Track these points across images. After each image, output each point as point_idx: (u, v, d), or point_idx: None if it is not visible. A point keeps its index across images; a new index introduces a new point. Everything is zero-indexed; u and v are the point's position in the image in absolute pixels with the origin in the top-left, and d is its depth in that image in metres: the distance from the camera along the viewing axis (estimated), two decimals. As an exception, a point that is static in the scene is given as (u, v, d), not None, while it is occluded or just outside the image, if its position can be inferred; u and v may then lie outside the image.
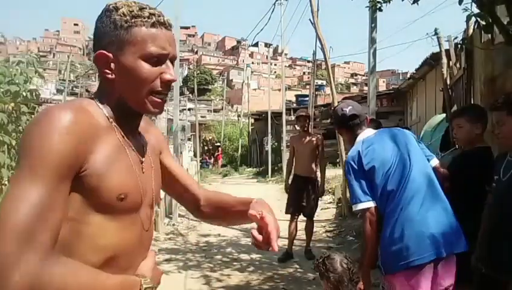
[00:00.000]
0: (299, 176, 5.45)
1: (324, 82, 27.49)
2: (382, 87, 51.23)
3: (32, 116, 3.47)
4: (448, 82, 7.22)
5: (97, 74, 1.06)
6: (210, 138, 29.64)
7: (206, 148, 28.58)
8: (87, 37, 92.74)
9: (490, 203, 2.27)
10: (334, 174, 9.91)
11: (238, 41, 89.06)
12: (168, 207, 8.13)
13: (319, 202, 5.82)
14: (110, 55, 0.96)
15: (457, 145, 3.91)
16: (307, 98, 18.94)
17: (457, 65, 7.10)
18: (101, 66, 0.97)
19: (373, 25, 6.35)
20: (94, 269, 0.86)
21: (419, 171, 2.16)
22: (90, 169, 0.87)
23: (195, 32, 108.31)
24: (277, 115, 18.09)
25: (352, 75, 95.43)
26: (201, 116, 34.03)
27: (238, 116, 34.54)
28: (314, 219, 5.56)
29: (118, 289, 0.88)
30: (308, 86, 34.16)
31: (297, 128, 6.00)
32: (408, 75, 16.02)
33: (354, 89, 69.48)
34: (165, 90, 0.99)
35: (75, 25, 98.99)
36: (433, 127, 8.54)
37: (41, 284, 0.75)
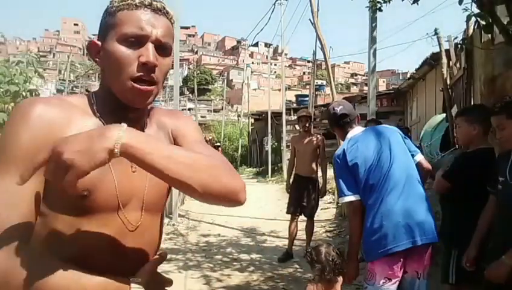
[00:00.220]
0: (300, 176, 5.46)
1: (324, 82, 27.50)
2: (382, 87, 51.21)
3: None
4: (448, 82, 7.23)
5: (98, 74, 1.06)
6: (210, 138, 29.60)
7: (206, 148, 28.59)
8: (87, 37, 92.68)
9: (498, 206, 2.26)
10: (333, 174, 9.90)
11: (238, 41, 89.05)
12: (168, 207, 8.13)
13: (319, 202, 5.82)
14: (99, 43, 0.94)
15: (457, 145, 3.91)
16: (307, 98, 18.94)
17: (457, 65, 7.11)
18: (91, 54, 0.96)
19: (373, 25, 6.34)
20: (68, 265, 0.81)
21: (400, 166, 2.32)
22: None
23: (195, 32, 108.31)
24: (277, 115, 18.07)
25: (352, 75, 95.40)
26: (201, 116, 34.05)
27: (238, 116, 34.56)
28: (314, 218, 5.56)
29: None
30: (308, 86, 34.17)
31: (298, 128, 6.00)
32: (408, 75, 16.02)
33: (354, 89, 69.46)
34: (145, 76, 0.90)
35: (75, 25, 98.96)
36: (433, 127, 8.55)
37: (6, 274, 0.75)
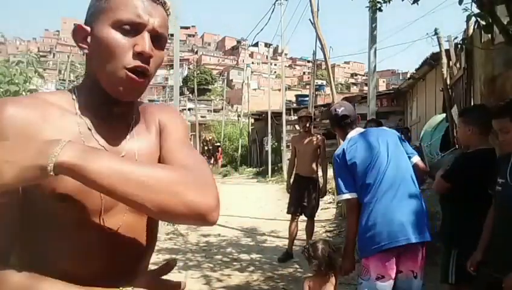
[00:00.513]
0: (301, 176, 5.46)
1: (324, 82, 27.47)
2: (382, 87, 51.18)
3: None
4: (448, 82, 7.24)
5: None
6: (210, 138, 29.62)
7: (206, 148, 28.57)
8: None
9: (497, 207, 2.25)
10: (333, 174, 9.88)
11: (238, 41, 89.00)
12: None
13: (320, 202, 5.82)
14: (88, 28, 0.86)
15: (457, 145, 3.92)
16: (307, 98, 18.93)
17: (457, 65, 7.11)
18: (77, 40, 0.87)
19: (373, 25, 6.34)
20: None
21: (396, 167, 2.43)
22: None
23: (195, 32, 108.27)
24: (277, 115, 18.06)
25: (352, 75, 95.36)
26: (201, 116, 34.04)
27: (238, 116, 34.53)
28: (315, 218, 5.56)
29: None
30: (308, 86, 34.15)
31: (298, 128, 6.00)
32: (408, 75, 16.02)
33: (354, 89, 69.43)
34: (140, 67, 0.83)
35: (75, 25, 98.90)
36: (433, 127, 8.56)
37: None
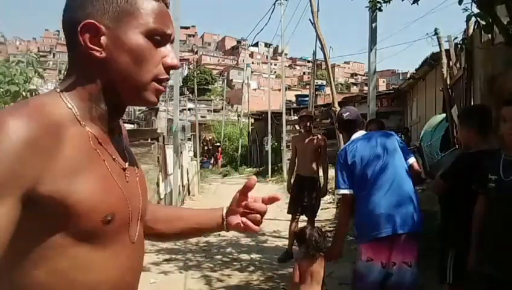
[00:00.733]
0: (301, 175, 5.45)
1: (324, 82, 27.47)
2: (382, 87, 51.21)
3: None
4: (448, 82, 7.23)
5: (68, 55, 0.84)
6: (210, 138, 29.62)
7: (206, 148, 28.57)
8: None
9: (491, 204, 2.25)
10: (334, 174, 9.88)
11: (238, 41, 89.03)
12: (168, 207, 8.10)
13: (320, 202, 5.82)
14: (102, 27, 0.76)
15: (457, 145, 3.94)
16: (307, 98, 18.93)
17: (457, 65, 7.10)
18: (87, 41, 0.76)
19: (373, 25, 6.34)
20: None
21: (391, 167, 2.69)
22: (51, 190, 0.68)
23: (195, 32, 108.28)
24: (277, 115, 18.08)
25: (352, 75, 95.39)
26: (201, 116, 34.02)
27: (238, 116, 34.53)
28: (315, 218, 5.56)
29: None
30: (308, 86, 34.15)
31: (298, 128, 6.00)
32: (408, 75, 16.03)
33: (354, 89, 69.43)
34: (167, 78, 0.83)
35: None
36: (433, 127, 8.56)
37: None
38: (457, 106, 6.65)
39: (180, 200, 8.80)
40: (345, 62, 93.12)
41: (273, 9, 13.39)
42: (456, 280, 2.56)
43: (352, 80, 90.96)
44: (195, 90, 32.85)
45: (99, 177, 0.76)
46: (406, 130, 13.04)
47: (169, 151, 8.53)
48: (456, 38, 6.98)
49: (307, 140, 5.48)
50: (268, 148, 17.88)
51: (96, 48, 0.76)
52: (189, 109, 31.60)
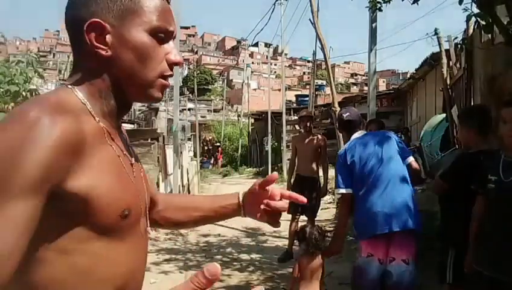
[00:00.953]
0: (302, 176, 5.45)
1: (324, 82, 27.49)
2: (382, 87, 51.22)
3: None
4: (448, 82, 7.23)
5: (72, 54, 0.81)
6: (210, 138, 29.62)
7: (206, 148, 28.57)
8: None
9: (491, 205, 2.25)
10: (334, 174, 9.90)
11: (238, 41, 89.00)
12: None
13: (320, 202, 5.82)
14: (107, 25, 0.76)
15: (457, 145, 3.95)
16: (307, 98, 18.94)
17: (457, 65, 7.11)
18: (93, 40, 0.76)
19: (373, 25, 6.34)
20: None
21: (388, 167, 2.77)
22: (76, 185, 0.69)
23: (195, 32, 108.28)
24: (277, 115, 18.07)
25: (352, 75, 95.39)
26: (201, 116, 34.02)
27: (238, 116, 34.53)
28: (315, 218, 5.56)
29: None
30: (308, 86, 34.16)
31: (298, 128, 6.00)
32: (408, 75, 16.03)
33: (354, 89, 69.43)
34: (171, 75, 0.85)
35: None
36: (433, 127, 8.57)
37: None
38: (457, 106, 6.65)
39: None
40: (345, 62, 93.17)
41: (273, 9, 13.40)
42: (456, 280, 2.57)
43: (352, 80, 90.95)
44: (195, 90, 32.85)
45: (116, 173, 0.77)
46: (406, 130, 13.04)
47: (169, 151, 8.53)
48: (456, 38, 7.00)
49: (307, 140, 5.48)
50: (268, 148, 17.87)
51: (102, 46, 0.77)
52: (189, 109, 31.60)
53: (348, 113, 3.07)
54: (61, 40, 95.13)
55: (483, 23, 3.10)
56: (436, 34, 7.50)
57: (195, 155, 17.53)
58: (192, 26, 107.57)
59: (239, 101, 42.42)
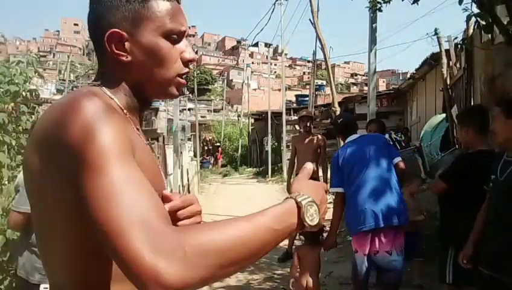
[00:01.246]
0: (301, 176, 5.45)
1: (324, 82, 27.49)
2: (382, 87, 51.19)
3: (33, 116, 3.45)
4: (448, 82, 7.24)
5: (96, 60, 0.91)
6: (210, 138, 29.60)
7: (206, 148, 28.55)
8: (87, 37, 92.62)
9: (490, 204, 2.26)
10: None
11: (238, 41, 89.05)
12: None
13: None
14: (125, 33, 0.83)
15: (457, 145, 3.96)
16: (307, 98, 18.93)
17: (457, 65, 7.12)
18: (114, 48, 0.83)
19: (373, 25, 6.34)
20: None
21: (376, 167, 3.00)
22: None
23: (195, 32, 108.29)
24: (277, 115, 18.06)
25: (352, 75, 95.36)
26: (201, 116, 34.02)
27: (238, 116, 34.52)
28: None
29: (273, 223, 0.78)
30: (308, 86, 34.17)
31: (298, 128, 6.00)
32: (408, 75, 16.02)
33: (354, 89, 69.41)
34: (187, 72, 0.91)
35: (75, 25, 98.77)
36: (433, 127, 8.56)
37: (201, 254, 0.65)
38: (457, 106, 6.66)
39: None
40: (345, 62, 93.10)
41: (273, 9, 13.42)
42: (456, 279, 2.57)
43: (352, 80, 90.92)
44: (195, 90, 32.79)
45: (151, 163, 0.85)
46: (405, 130, 13.02)
47: (169, 151, 8.53)
48: (456, 38, 7.01)
49: (306, 140, 5.47)
50: (268, 148, 17.86)
51: (122, 53, 0.84)
52: (189, 109, 31.57)
53: (341, 119, 3.44)
54: (61, 40, 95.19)
55: (483, 23, 3.09)
56: (436, 34, 7.51)
57: (195, 155, 17.52)
58: (192, 26, 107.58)
59: (239, 101, 42.42)
